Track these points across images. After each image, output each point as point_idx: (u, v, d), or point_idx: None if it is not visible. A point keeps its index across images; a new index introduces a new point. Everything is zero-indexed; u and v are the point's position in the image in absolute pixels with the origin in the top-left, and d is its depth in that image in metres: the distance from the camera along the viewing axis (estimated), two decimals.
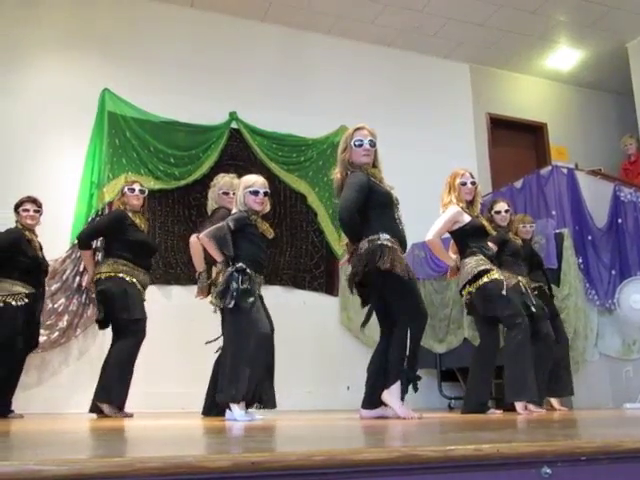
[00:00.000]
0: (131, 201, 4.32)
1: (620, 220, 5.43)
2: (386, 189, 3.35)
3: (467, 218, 3.89)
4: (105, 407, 3.95)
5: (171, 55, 6.17)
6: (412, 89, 7.17)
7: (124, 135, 5.77)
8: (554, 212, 5.45)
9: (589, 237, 5.40)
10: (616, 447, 1.24)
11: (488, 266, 3.83)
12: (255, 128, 6.28)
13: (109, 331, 4.28)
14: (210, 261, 3.78)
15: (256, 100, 6.31)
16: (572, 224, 5.36)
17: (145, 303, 4.25)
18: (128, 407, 4.08)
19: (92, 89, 5.74)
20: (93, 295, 4.46)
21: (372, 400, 3.29)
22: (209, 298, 3.75)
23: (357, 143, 3.34)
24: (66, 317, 5.13)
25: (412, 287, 3.27)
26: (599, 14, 6.67)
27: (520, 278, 4.27)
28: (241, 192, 3.48)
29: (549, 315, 4.45)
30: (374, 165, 3.40)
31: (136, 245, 4.23)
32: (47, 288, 4.89)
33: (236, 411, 3.16)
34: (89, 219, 5.42)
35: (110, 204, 5.21)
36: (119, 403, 4.01)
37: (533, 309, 4.06)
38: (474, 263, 3.83)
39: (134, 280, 4.16)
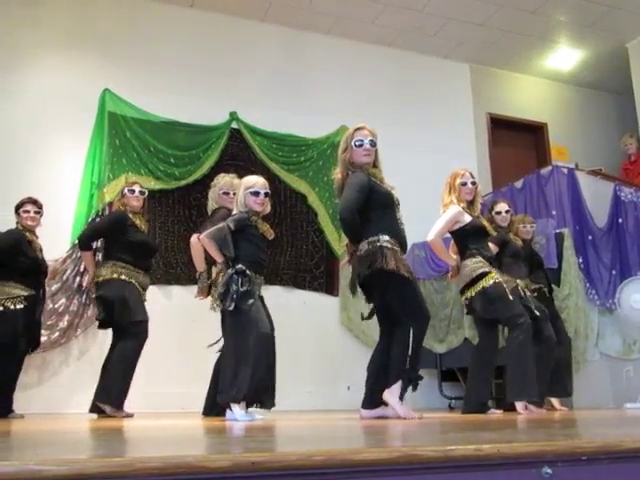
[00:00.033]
0: (131, 202, 4.32)
1: (620, 220, 5.43)
2: (387, 189, 3.36)
3: (468, 218, 3.90)
4: (106, 408, 3.95)
5: (171, 55, 6.17)
6: (412, 89, 7.17)
7: (124, 135, 5.77)
8: (554, 212, 5.45)
9: (589, 237, 5.40)
10: (617, 447, 1.24)
11: (486, 269, 3.83)
12: (255, 128, 6.28)
13: (109, 331, 4.29)
14: (210, 261, 3.78)
15: (256, 100, 6.31)
16: (572, 224, 5.36)
17: (145, 303, 4.26)
18: (128, 407, 4.08)
19: (92, 89, 5.74)
20: (94, 295, 4.46)
21: (372, 400, 3.29)
22: (209, 298, 3.76)
23: (358, 143, 3.34)
24: (66, 317, 5.13)
25: (414, 287, 3.27)
26: (599, 14, 6.67)
27: (519, 282, 4.27)
28: (242, 193, 3.48)
29: (550, 316, 4.46)
30: (375, 165, 3.40)
31: (136, 246, 4.23)
32: (47, 288, 4.90)
33: (236, 411, 3.17)
34: (89, 219, 5.42)
35: (110, 204, 5.21)
36: (119, 403, 4.01)
37: (537, 313, 4.06)
38: (472, 266, 3.84)
39: (134, 282, 4.16)
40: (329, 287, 6.28)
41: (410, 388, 3.22)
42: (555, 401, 4.53)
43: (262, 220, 3.52)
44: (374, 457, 1.09)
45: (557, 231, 5.22)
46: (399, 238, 3.29)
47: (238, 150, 6.22)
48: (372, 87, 6.88)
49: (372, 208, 3.26)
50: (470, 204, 3.99)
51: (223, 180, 4.19)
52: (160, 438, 1.98)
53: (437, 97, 7.27)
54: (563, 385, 4.52)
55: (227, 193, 4.09)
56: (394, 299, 3.25)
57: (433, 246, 4.02)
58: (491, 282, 3.79)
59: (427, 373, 5.53)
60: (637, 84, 7.04)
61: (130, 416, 3.99)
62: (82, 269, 5.15)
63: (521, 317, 3.80)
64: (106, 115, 5.74)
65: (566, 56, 7.56)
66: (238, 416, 3.14)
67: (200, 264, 3.93)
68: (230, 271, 3.31)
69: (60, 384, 5.11)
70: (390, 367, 3.22)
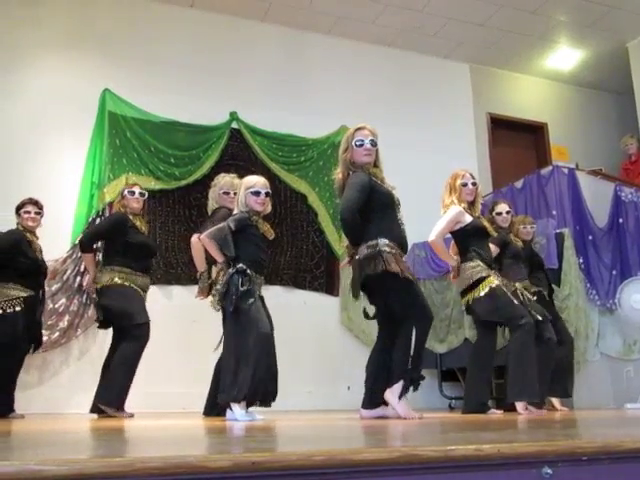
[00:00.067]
0: (131, 204, 4.32)
1: (621, 220, 5.43)
2: (388, 189, 3.36)
3: (469, 219, 3.90)
4: (107, 409, 3.95)
5: (172, 55, 6.17)
6: (412, 89, 7.17)
7: (125, 135, 5.77)
8: (555, 212, 5.45)
9: (590, 237, 5.40)
10: (617, 447, 1.24)
11: (485, 273, 3.83)
12: (255, 128, 6.28)
13: (109, 331, 4.29)
14: (211, 261, 3.78)
15: (256, 100, 6.31)
16: (573, 224, 5.36)
17: (146, 304, 4.26)
18: (129, 407, 4.08)
19: (92, 89, 5.74)
20: (94, 295, 4.47)
21: (372, 400, 3.30)
22: (210, 298, 3.76)
23: (358, 143, 3.34)
24: (67, 317, 5.13)
25: (415, 288, 3.28)
26: (599, 14, 6.67)
27: (517, 285, 4.28)
28: (242, 193, 3.47)
29: (550, 318, 4.46)
30: (376, 165, 3.41)
31: (136, 247, 4.23)
32: (48, 288, 4.90)
33: (237, 411, 3.17)
34: (90, 219, 5.42)
35: (110, 205, 5.21)
36: (120, 404, 4.01)
37: (539, 317, 4.07)
38: (471, 270, 3.84)
39: (133, 285, 4.16)
40: (329, 287, 6.28)
41: (411, 388, 3.22)
42: (556, 401, 4.53)
43: (263, 220, 3.52)
44: (374, 457, 1.09)
45: (557, 231, 5.22)
46: (399, 239, 3.30)
47: (238, 150, 6.22)
48: (372, 87, 6.88)
49: (373, 208, 3.26)
50: (471, 205, 3.99)
51: (223, 180, 4.18)
52: (160, 438, 1.98)
53: (437, 97, 7.27)
54: (564, 385, 4.52)
55: (227, 193, 4.09)
56: (396, 302, 3.25)
57: (434, 246, 4.02)
58: (487, 289, 3.79)
59: (427, 373, 5.51)
60: (637, 84, 7.04)
61: (131, 416, 4.00)
62: (82, 269, 5.15)
63: (523, 318, 3.80)
64: (106, 115, 5.75)
65: (566, 56, 7.56)
66: (238, 416, 3.14)
67: (201, 264, 3.93)
68: (231, 270, 3.31)
69: (60, 384, 5.11)
70: (393, 367, 3.22)
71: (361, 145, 3.33)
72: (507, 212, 4.56)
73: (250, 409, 3.30)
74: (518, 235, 4.65)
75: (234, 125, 6.24)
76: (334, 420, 3.23)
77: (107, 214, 5.31)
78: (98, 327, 4.36)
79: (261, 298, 3.46)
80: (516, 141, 7.80)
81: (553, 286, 4.85)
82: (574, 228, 5.33)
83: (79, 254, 5.02)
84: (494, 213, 4.56)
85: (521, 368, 3.76)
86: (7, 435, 2.25)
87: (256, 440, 1.72)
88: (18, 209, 4.35)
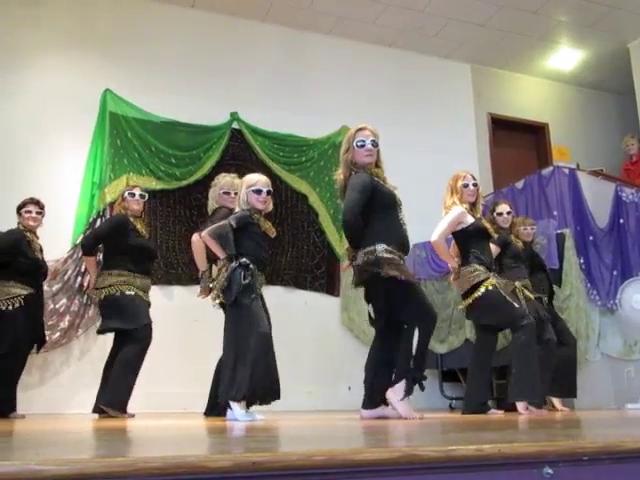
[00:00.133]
0: (131, 206, 4.33)
1: (622, 220, 5.43)
2: (390, 190, 3.36)
3: (470, 219, 3.91)
4: (109, 410, 3.96)
5: (172, 55, 6.17)
6: (413, 89, 7.17)
7: (125, 135, 5.78)
8: (555, 212, 5.45)
9: (590, 237, 5.40)
10: (618, 447, 1.24)
11: (483, 276, 3.83)
12: (256, 128, 6.28)
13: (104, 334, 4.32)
14: (212, 260, 3.78)
15: (257, 100, 6.31)
16: (573, 224, 5.35)
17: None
18: (130, 407, 4.09)
19: (92, 89, 5.74)
20: (94, 296, 4.48)
21: (372, 400, 3.30)
22: (211, 297, 3.76)
23: (359, 143, 3.34)
24: (67, 317, 5.13)
25: (416, 290, 3.28)
26: (600, 14, 6.67)
27: (517, 284, 4.29)
28: (244, 191, 3.48)
29: (550, 318, 4.47)
30: (377, 165, 3.41)
31: (136, 250, 4.23)
32: (48, 289, 4.92)
33: (237, 411, 3.17)
34: (90, 220, 5.42)
35: (111, 205, 5.20)
36: (122, 406, 4.01)
37: (541, 314, 4.07)
38: (469, 275, 3.84)
39: (133, 290, 4.16)
40: (330, 287, 6.28)
41: (418, 388, 3.23)
42: (556, 401, 4.53)
43: (264, 218, 3.53)
44: (375, 457, 1.09)
45: (558, 231, 5.22)
46: (401, 239, 3.30)
47: (239, 150, 6.22)
48: (373, 87, 6.88)
49: (375, 209, 3.26)
50: (472, 206, 3.99)
51: (224, 180, 4.18)
52: (161, 438, 1.98)
53: (438, 97, 7.27)
54: (566, 386, 4.53)
55: (228, 193, 4.09)
56: (398, 305, 3.25)
57: (436, 247, 4.02)
58: (483, 290, 3.79)
59: (428, 373, 5.47)
60: (638, 84, 7.03)
61: (132, 416, 4.00)
62: (83, 269, 5.16)
63: (523, 319, 3.81)
64: (107, 115, 5.75)
65: (567, 56, 7.56)
66: (239, 416, 3.14)
67: (202, 263, 3.93)
68: (234, 264, 3.31)
69: (61, 384, 5.11)
70: (396, 366, 3.23)
71: (362, 146, 3.33)
72: (508, 213, 4.56)
73: (250, 409, 3.30)
74: (519, 236, 4.66)
75: (235, 125, 6.24)
76: (334, 420, 3.23)
77: (108, 214, 5.31)
78: (98, 333, 4.37)
79: (261, 297, 3.46)
80: (517, 141, 7.80)
81: (554, 286, 4.85)
82: (575, 228, 5.33)
83: (80, 254, 5.02)
84: (495, 213, 4.56)
85: (522, 368, 3.77)
86: (8, 435, 2.26)
87: (257, 440, 1.72)
88: (19, 209, 4.36)
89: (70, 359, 5.24)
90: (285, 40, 6.72)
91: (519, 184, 5.99)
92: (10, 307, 4.13)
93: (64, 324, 5.11)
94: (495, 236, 4.16)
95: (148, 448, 1.57)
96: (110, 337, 4.33)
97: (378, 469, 1.08)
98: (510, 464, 1.16)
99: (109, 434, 2.19)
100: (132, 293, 4.15)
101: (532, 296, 4.39)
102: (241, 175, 3.86)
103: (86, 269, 4.92)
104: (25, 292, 4.20)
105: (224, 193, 4.11)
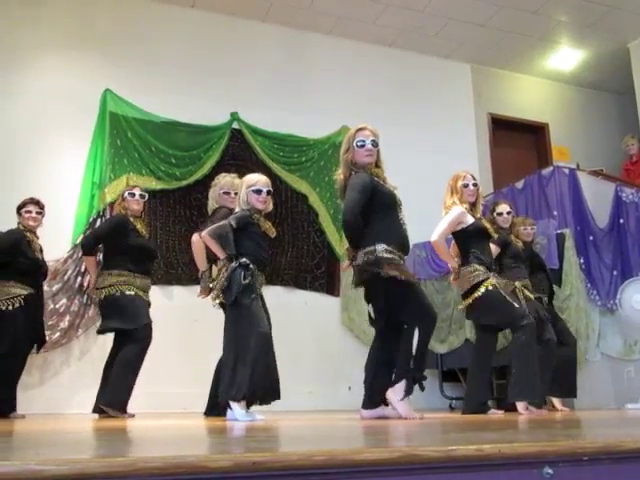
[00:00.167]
0: (131, 206, 4.33)
1: (622, 220, 5.43)
2: (390, 190, 3.36)
3: (470, 219, 3.91)
4: (109, 410, 3.96)
5: (172, 55, 6.17)
6: (413, 89, 7.17)
7: (126, 135, 5.78)
8: (555, 212, 5.45)
9: (590, 237, 5.40)
10: (618, 447, 1.24)
11: (483, 276, 3.83)
12: (256, 128, 6.28)
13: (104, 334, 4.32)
14: (212, 259, 3.78)
15: (257, 100, 6.31)
16: (573, 224, 5.35)
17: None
18: (130, 407, 4.09)
19: (92, 89, 5.74)
20: (94, 296, 4.49)
21: (372, 400, 3.30)
22: (211, 296, 3.76)
23: (359, 143, 3.34)
24: (67, 317, 5.13)
25: (416, 290, 3.27)
26: (600, 14, 6.67)
27: (517, 284, 4.29)
28: (244, 191, 3.48)
29: (550, 318, 4.47)
30: (377, 165, 3.41)
31: (136, 250, 4.23)
32: (49, 289, 4.92)
33: (237, 410, 3.17)
34: (90, 219, 5.42)
35: (111, 205, 5.20)
36: (122, 406, 4.01)
37: (541, 314, 4.08)
38: (469, 275, 3.84)
39: (133, 289, 4.16)
40: (330, 287, 6.28)
41: (418, 388, 3.23)
42: (556, 401, 4.53)
43: (264, 218, 3.53)
44: (375, 457, 1.09)
45: (558, 231, 5.22)
46: (401, 239, 3.30)
47: (239, 150, 6.22)
48: (373, 87, 6.88)
49: (374, 208, 3.26)
50: (472, 206, 3.99)
51: (224, 180, 4.18)
52: (161, 438, 1.98)
53: (438, 97, 7.27)
54: (566, 386, 4.53)
55: (228, 193, 4.09)
56: (398, 306, 3.26)
57: (436, 247, 4.02)
58: (483, 290, 3.79)
59: (428, 373, 5.48)
60: (638, 84, 7.03)
61: (132, 416, 4.00)
62: (83, 269, 5.16)
63: (523, 319, 3.80)
64: (107, 115, 5.75)
65: (567, 56, 7.56)
66: (239, 416, 3.14)
67: (202, 263, 3.93)
68: (234, 264, 3.31)
69: (61, 384, 5.12)
70: (395, 366, 3.23)
71: (362, 146, 3.33)
72: (508, 212, 4.57)
73: (250, 409, 3.30)
74: (519, 236, 4.66)
75: (235, 125, 6.24)
76: (335, 420, 3.23)
77: (108, 214, 5.31)
78: (98, 333, 4.37)
79: (261, 297, 3.46)
80: (517, 141, 7.80)
81: (554, 286, 4.85)
82: (575, 228, 5.33)
83: (80, 254, 5.02)
84: (495, 213, 4.56)
85: (522, 368, 3.77)
86: (8, 435, 2.26)
87: (257, 440, 1.72)
88: (19, 209, 4.36)
89: (70, 359, 5.24)
90: (285, 40, 6.72)
91: (519, 184, 5.99)
92: (10, 307, 4.13)
93: (64, 324, 5.11)
94: (495, 236, 4.16)
95: (148, 448, 1.57)
96: (110, 337, 4.33)
97: (378, 469, 1.08)
98: (510, 464, 1.16)
99: (109, 434, 2.19)
100: (132, 293, 4.15)
101: (532, 296, 4.40)
102: (241, 175, 3.86)
103: (86, 269, 4.92)
104: (25, 292, 4.21)
105: (224, 193, 4.10)
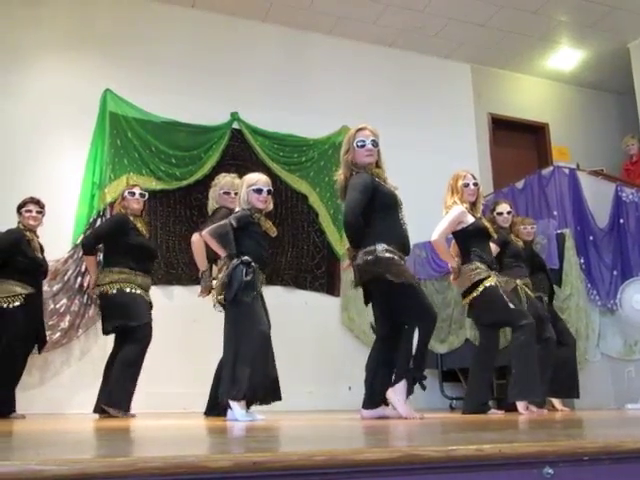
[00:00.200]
0: (131, 205, 4.33)
1: (622, 220, 5.43)
2: (391, 190, 3.36)
3: (471, 219, 3.91)
4: (110, 410, 3.96)
5: (172, 55, 6.17)
6: (413, 89, 7.17)
7: (126, 135, 5.78)
8: (556, 212, 5.45)
9: (591, 237, 5.40)
10: (618, 447, 1.24)
11: (485, 274, 3.83)
12: (256, 128, 6.28)
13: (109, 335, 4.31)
14: (212, 259, 3.78)
15: (257, 100, 6.31)
16: (574, 224, 5.36)
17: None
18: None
19: (92, 89, 5.74)
20: (95, 297, 4.49)
21: (372, 400, 3.30)
22: (212, 297, 3.76)
23: (359, 144, 3.34)
24: (68, 317, 5.13)
25: (416, 290, 3.27)
26: (600, 14, 6.67)
27: (518, 281, 4.30)
28: (244, 190, 3.48)
29: (550, 318, 4.47)
30: (378, 165, 3.41)
31: (136, 249, 4.23)
32: (49, 289, 4.92)
33: (237, 410, 3.17)
34: (91, 220, 5.43)
35: (111, 205, 5.21)
36: (125, 404, 4.01)
37: (541, 313, 4.08)
38: (471, 273, 3.84)
39: (134, 287, 4.16)
40: (330, 287, 6.28)
41: (419, 387, 3.23)
42: (556, 402, 4.53)
43: (265, 217, 3.53)
44: (375, 457, 1.09)
45: (558, 231, 5.22)
46: (401, 239, 3.30)
47: (239, 150, 6.22)
48: (373, 87, 6.88)
49: (375, 209, 3.26)
50: (472, 205, 3.99)
51: (224, 180, 4.18)
52: (161, 438, 1.98)
53: (438, 97, 7.27)
54: (567, 386, 4.53)
55: (228, 193, 4.09)
56: (398, 306, 3.26)
57: (436, 246, 4.02)
58: (488, 286, 3.79)
59: (428, 373, 5.47)
60: (638, 84, 7.03)
61: (132, 416, 4.00)
62: (83, 269, 5.15)
63: (523, 318, 3.81)
64: (107, 115, 5.75)
65: (567, 56, 7.56)
66: (239, 416, 3.14)
67: (202, 263, 3.93)
68: (235, 261, 3.31)
69: (61, 384, 5.11)
70: (395, 366, 3.23)
71: (362, 146, 3.33)
72: (508, 212, 4.57)
73: (250, 409, 3.30)
74: (519, 235, 4.66)
75: (235, 125, 6.24)
76: (335, 420, 3.23)
77: (108, 214, 5.31)
78: (104, 333, 4.36)
79: (261, 296, 3.46)
80: (517, 141, 7.80)
81: (554, 286, 4.85)
82: (575, 228, 5.33)
83: (80, 254, 5.03)
84: (495, 213, 4.56)
85: (522, 368, 3.77)
86: (8, 435, 2.26)
87: (257, 440, 1.72)
88: (19, 208, 4.37)
89: (70, 359, 5.24)
90: (285, 40, 6.72)
91: (519, 184, 5.99)
92: (11, 304, 4.13)
93: (64, 324, 5.11)
94: (495, 236, 4.16)
95: (148, 448, 1.57)
96: (110, 337, 4.33)
97: (378, 469, 1.08)
98: (510, 464, 1.16)
99: (109, 434, 2.19)
100: (133, 291, 4.15)
101: (532, 294, 4.40)
102: (241, 175, 3.86)
103: (86, 269, 4.92)
104: (26, 291, 4.21)
105: (224, 193, 4.11)
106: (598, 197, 5.58)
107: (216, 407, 3.65)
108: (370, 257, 3.17)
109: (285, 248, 6.16)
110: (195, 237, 3.94)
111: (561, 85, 8.11)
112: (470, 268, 3.85)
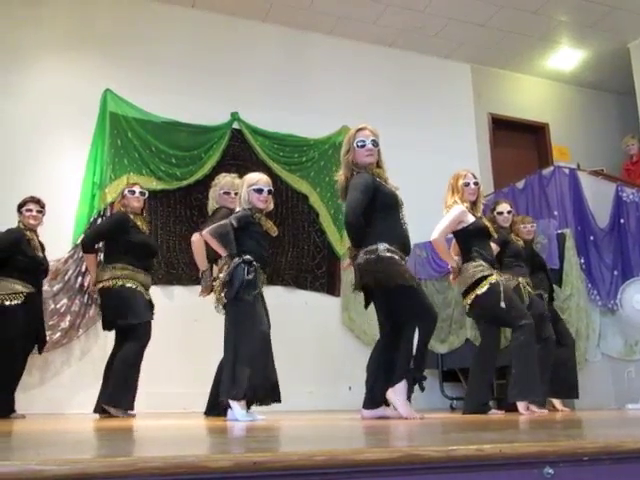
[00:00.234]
0: (132, 203, 4.34)
1: (622, 220, 5.43)
2: (391, 190, 3.36)
3: (471, 218, 3.91)
4: (111, 409, 3.96)
5: (172, 55, 6.17)
6: (413, 89, 7.17)
7: (126, 135, 5.78)
8: (556, 212, 5.45)
9: (591, 237, 5.39)
10: (618, 447, 1.24)
11: (487, 272, 3.83)
12: (257, 128, 6.28)
13: (111, 331, 4.30)
14: (213, 259, 3.78)
15: (257, 100, 6.31)
16: (574, 224, 5.35)
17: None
18: None
19: (92, 89, 5.74)
20: (95, 296, 4.49)
21: (373, 400, 3.30)
22: (212, 297, 3.76)
23: (360, 144, 3.34)
24: (68, 317, 5.13)
25: (417, 291, 3.27)
26: (601, 14, 6.66)
27: (520, 279, 4.30)
28: (245, 190, 3.48)
29: (551, 317, 4.47)
30: (378, 165, 3.41)
31: (137, 247, 4.24)
32: (49, 289, 4.92)
33: (237, 410, 3.17)
34: (91, 219, 5.43)
35: (112, 205, 5.21)
36: (127, 406, 4.01)
37: (541, 311, 4.08)
38: (472, 270, 3.84)
39: (135, 284, 4.16)
40: (330, 287, 6.28)
41: (418, 388, 3.23)
42: (557, 402, 4.53)
43: (265, 217, 3.53)
44: (376, 457, 1.09)
45: (559, 231, 5.22)
46: (402, 239, 3.30)
47: (239, 150, 6.22)
48: (373, 87, 6.88)
49: (376, 208, 3.26)
50: (473, 205, 3.99)
51: (224, 180, 4.19)
52: (161, 438, 1.98)
53: (438, 97, 7.27)
54: (567, 387, 4.53)
55: (228, 193, 4.09)
56: (398, 305, 3.26)
57: (436, 245, 4.02)
58: (486, 287, 3.79)
59: (428, 373, 5.47)
60: (638, 84, 7.03)
61: (132, 416, 4.00)
62: (84, 269, 5.15)
63: (523, 319, 3.80)
64: (108, 115, 5.75)
65: (567, 56, 7.56)
66: (239, 416, 3.14)
67: (202, 262, 3.93)
68: (237, 260, 3.31)
69: (62, 384, 5.11)
70: (396, 366, 3.23)
71: (363, 146, 3.33)
72: (508, 212, 4.57)
73: (251, 409, 3.30)
74: (519, 235, 4.66)
75: (235, 125, 6.24)
76: (335, 420, 3.23)
77: (108, 214, 5.31)
78: (104, 329, 4.36)
79: (262, 296, 3.46)
80: (517, 141, 7.79)
81: (554, 286, 4.85)
82: (575, 228, 5.33)
83: (80, 254, 5.03)
84: (495, 212, 4.57)
85: (522, 368, 3.77)
86: (8, 435, 2.26)
87: (257, 440, 1.72)
88: (20, 207, 4.37)
89: (71, 359, 5.24)
90: (285, 40, 6.72)
91: (520, 184, 5.99)
92: (11, 303, 4.13)
93: (65, 324, 5.11)
94: (495, 235, 4.16)
95: (148, 448, 1.57)
96: (111, 337, 4.33)
97: (379, 469, 1.08)
98: (511, 464, 1.16)
99: (110, 434, 2.19)
100: (134, 287, 4.15)
101: (533, 292, 4.40)
102: (241, 175, 3.86)
103: (87, 269, 4.92)
104: (26, 290, 4.21)
105: (224, 193, 4.11)
106: (598, 197, 5.58)
107: (216, 407, 3.65)
108: (372, 256, 3.17)
109: (285, 248, 6.16)
110: (195, 237, 3.94)
111: (561, 85, 8.11)
112: (473, 265, 3.85)
